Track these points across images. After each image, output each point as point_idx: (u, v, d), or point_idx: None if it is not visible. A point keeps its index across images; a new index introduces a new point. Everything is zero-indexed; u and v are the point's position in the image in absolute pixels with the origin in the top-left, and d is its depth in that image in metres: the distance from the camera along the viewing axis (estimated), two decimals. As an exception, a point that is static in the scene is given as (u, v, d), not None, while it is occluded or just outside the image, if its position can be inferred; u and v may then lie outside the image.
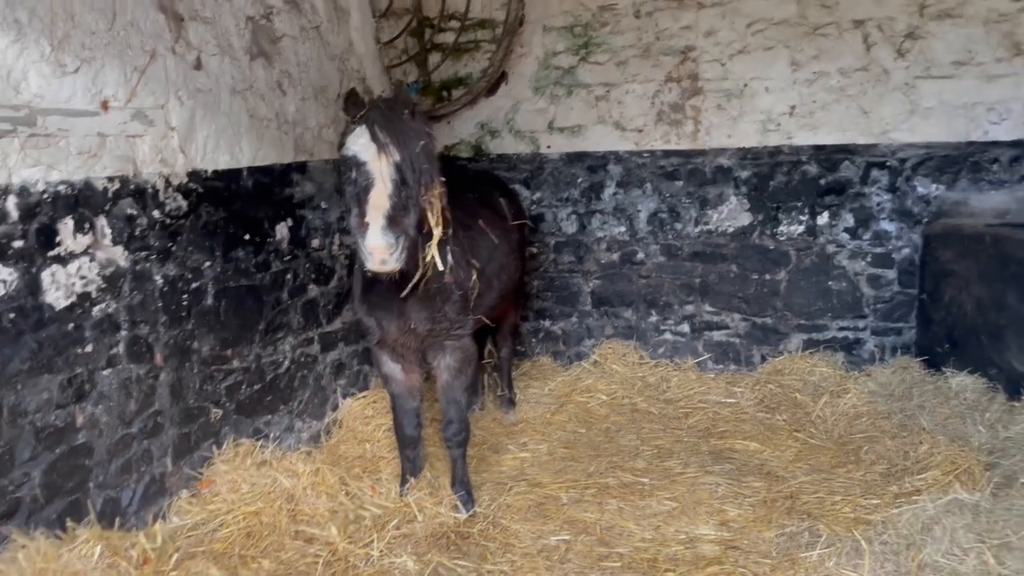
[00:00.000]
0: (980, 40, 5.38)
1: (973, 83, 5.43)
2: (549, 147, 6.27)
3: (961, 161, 5.51)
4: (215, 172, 4.00)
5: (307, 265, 4.81)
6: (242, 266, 4.23)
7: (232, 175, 4.14)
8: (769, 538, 3.73)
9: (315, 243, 4.88)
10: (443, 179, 3.46)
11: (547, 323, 6.50)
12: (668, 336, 6.25)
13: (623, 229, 6.23)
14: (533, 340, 6.55)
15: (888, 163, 5.64)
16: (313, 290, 4.87)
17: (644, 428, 5.21)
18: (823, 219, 5.80)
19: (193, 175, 3.85)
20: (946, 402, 4.81)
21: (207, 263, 3.97)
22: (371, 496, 4.10)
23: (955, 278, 5.17)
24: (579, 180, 6.25)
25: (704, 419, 5.31)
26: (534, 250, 6.34)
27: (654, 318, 6.26)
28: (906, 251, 5.69)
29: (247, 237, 4.27)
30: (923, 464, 4.29)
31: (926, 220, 5.59)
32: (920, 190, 5.60)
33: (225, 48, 4.07)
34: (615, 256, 6.28)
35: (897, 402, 5.05)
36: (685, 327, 6.21)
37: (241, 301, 4.23)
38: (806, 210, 5.83)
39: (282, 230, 4.57)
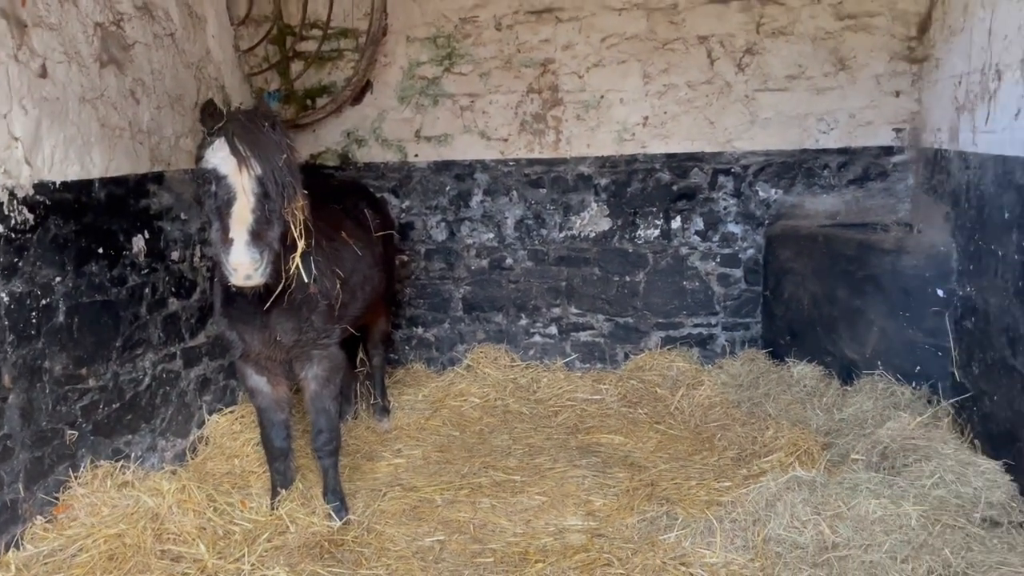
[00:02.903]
0: (809, 56, 5.87)
1: (804, 95, 5.91)
2: (417, 156, 6.35)
3: (796, 167, 5.99)
4: (64, 184, 3.85)
5: (167, 278, 4.67)
6: (96, 281, 4.08)
7: (83, 186, 3.99)
8: (631, 524, 3.95)
9: (175, 255, 4.75)
10: (306, 191, 3.47)
11: (420, 330, 6.56)
12: (537, 338, 6.45)
13: (491, 236, 6.38)
14: (406, 347, 6.60)
15: (733, 170, 6.05)
16: (174, 304, 4.74)
17: (516, 428, 5.37)
18: (676, 223, 6.15)
19: (40, 187, 3.69)
20: (788, 389, 5.23)
21: (57, 278, 3.81)
22: (241, 511, 4.04)
23: (793, 275, 5.61)
24: (447, 188, 6.35)
25: (572, 416, 5.53)
26: (405, 258, 6.39)
27: (524, 321, 6.44)
28: (751, 251, 6.11)
29: (101, 251, 4.12)
30: (769, 447, 4.65)
31: (767, 222, 6.03)
32: (761, 194, 6.04)
33: (72, 55, 3.92)
34: (484, 262, 6.42)
35: (746, 391, 5.43)
36: (553, 329, 6.42)
37: (96, 317, 4.07)
38: (661, 215, 6.16)
39: (139, 243, 4.43)
